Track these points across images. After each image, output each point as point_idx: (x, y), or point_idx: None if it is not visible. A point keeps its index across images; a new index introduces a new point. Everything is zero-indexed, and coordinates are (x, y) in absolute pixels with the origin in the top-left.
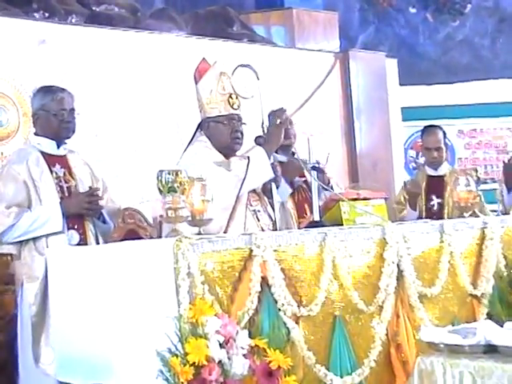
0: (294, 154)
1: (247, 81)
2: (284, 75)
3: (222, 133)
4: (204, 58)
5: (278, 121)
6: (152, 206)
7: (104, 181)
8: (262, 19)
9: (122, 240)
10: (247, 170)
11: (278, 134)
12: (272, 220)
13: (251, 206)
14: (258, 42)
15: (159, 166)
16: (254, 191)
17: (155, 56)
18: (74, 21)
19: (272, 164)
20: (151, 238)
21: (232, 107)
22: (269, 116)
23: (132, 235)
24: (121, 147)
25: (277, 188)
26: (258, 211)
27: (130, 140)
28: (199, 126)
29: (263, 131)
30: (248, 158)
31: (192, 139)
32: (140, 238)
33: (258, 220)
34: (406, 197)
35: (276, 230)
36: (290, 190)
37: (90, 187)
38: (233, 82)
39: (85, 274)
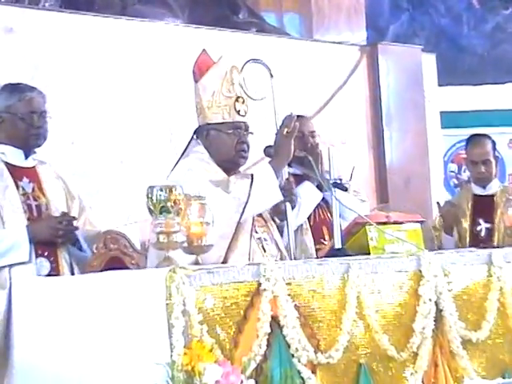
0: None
1: (258, 80)
2: (299, 73)
3: (224, 143)
4: (204, 50)
5: (286, 130)
6: (140, 229)
7: (81, 198)
8: (273, 5)
9: (103, 270)
10: (250, 191)
11: (286, 146)
12: (279, 250)
13: (256, 233)
14: (268, 32)
15: (149, 181)
16: (260, 215)
17: (145, 48)
18: (46, 5)
19: (286, 180)
20: (138, 267)
21: (238, 113)
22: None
23: (115, 264)
24: (102, 157)
25: (292, 209)
26: (265, 240)
27: (113, 149)
28: (196, 133)
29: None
30: (252, 176)
31: (186, 149)
32: (125, 267)
33: (264, 250)
34: (441, 220)
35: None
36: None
37: (64, 213)
38: (241, 82)
39: (57, 310)
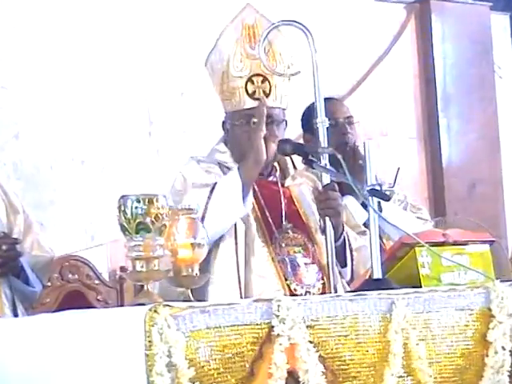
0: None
1: (290, 48)
2: (326, 41)
3: (238, 140)
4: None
5: (252, 121)
6: (108, 253)
7: (27, 213)
8: None
9: (59, 309)
10: (207, 204)
11: (254, 143)
12: (323, 280)
13: (279, 253)
14: None
15: (122, 189)
16: (295, 228)
17: (120, 9)
18: None
19: (323, 188)
20: (107, 305)
21: (252, 96)
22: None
23: (75, 300)
24: (56, 156)
25: (335, 225)
26: (292, 263)
27: (71, 145)
28: (223, 127)
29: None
30: (214, 184)
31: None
32: (89, 305)
33: (286, 279)
34: None
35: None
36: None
37: (4, 233)
38: (261, 52)
39: None
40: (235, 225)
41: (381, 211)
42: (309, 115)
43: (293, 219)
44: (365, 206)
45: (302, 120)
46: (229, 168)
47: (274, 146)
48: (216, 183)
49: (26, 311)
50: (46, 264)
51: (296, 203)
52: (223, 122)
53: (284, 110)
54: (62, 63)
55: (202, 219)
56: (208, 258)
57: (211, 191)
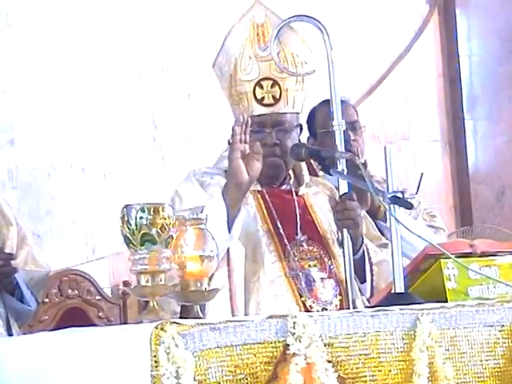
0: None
1: (303, 47)
2: (342, 37)
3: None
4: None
5: (229, 138)
6: (110, 267)
7: (20, 225)
8: None
9: (58, 327)
10: None
11: (231, 163)
12: (341, 296)
13: (293, 267)
14: None
15: (125, 197)
16: (311, 241)
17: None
18: None
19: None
20: (109, 322)
21: (261, 102)
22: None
23: (75, 317)
24: (54, 162)
25: (352, 240)
26: (307, 278)
27: (70, 150)
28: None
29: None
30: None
31: None
32: (90, 322)
33: (301, 296)
34: None
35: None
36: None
37: None
38: (273, 51)
39: None
40: (228, 251)
41: (385, 221)
42: (313, 119)
43: (308, 230)
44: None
45: (307, 124)
46: None
47: (257, 163)
48: (203, 208)
49: (21, 330)
50: (41, 280)
51: (311, 213)
52: (233, 128)
53: (298, 114)
54: (60, 65)
55: None
56: None
57: None
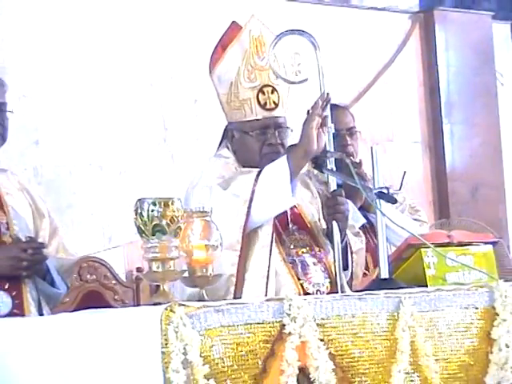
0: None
1: (297, 57)
2: (333, 49)
3: (249, 148)
4: (234, 23)
5: (308, 110)
6: (125, 255)
7: (52, 217)
8: None
9: (78, 308)
10: (254, 188)
11: (305, 133)
12: (329, 279)
13: (289, 256)
14: None
15: (138, 192)
16: (302, 231)
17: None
18: None
19: (332, 192)
20: (124, 304)
21: (264, 107)
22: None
23: (93, 300)
24: (75, 161)
25: (341, 230)
26: (302, 264)
27: (89, 150)
28: (224, 133)
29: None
30: (259, 170)
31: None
32: (106, 304)
33: (299, 278)
34: None
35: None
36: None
37: (31, 237)
38: (271, 61)
39: (18, 360)
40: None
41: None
42: None
43: (297, 221)
44: (365, 209)
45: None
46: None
47: (324, 137)
48: (261, 170)
49: (52, 311)
50: (70, 267)
51: (297, 206)
52: (227, 130)
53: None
54: (80, 73)
55: (249, 205)
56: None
57: (257, 177)
